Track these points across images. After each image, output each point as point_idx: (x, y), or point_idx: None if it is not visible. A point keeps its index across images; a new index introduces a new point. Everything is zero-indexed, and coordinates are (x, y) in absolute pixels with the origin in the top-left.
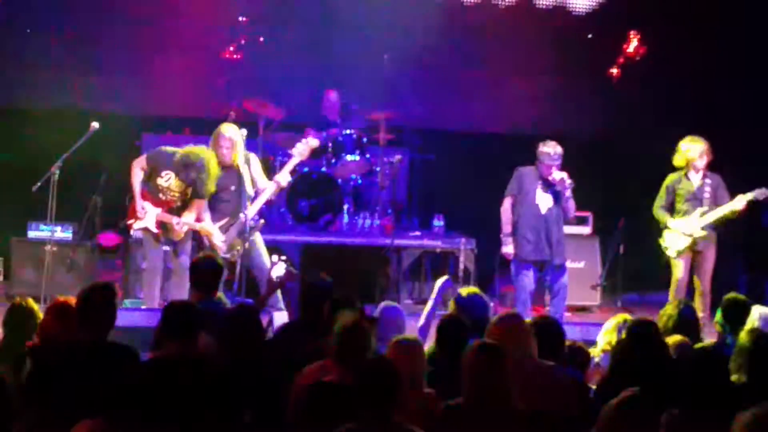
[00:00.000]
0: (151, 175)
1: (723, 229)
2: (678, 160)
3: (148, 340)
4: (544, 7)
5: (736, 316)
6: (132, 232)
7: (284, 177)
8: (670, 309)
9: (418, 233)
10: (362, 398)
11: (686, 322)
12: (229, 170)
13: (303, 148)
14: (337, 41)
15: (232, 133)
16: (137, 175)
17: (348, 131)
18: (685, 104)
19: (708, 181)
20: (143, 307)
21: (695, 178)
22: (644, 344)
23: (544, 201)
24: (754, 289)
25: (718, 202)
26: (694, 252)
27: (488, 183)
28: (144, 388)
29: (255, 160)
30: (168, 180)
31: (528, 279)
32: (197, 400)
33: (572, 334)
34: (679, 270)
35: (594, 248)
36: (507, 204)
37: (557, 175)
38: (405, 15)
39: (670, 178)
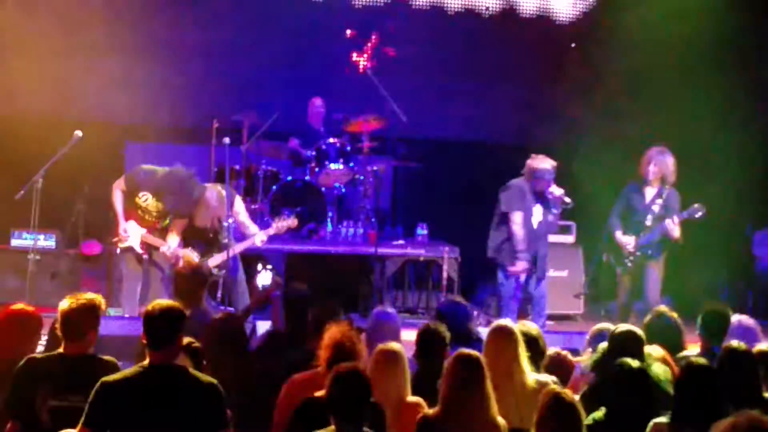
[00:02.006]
0: (129, 194)
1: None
2: (639, 169)
3: (132, 349)
4: (527, 16)
5: (715, 325)
6: (118, 251)
7: (261, 239)
8: (645, 320)
9: (401, 242)
10: (333, 409)
11: (660, 330)
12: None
13: (282, 225)
14: (320, 50)
15: (215, 196)
16: (118, 197)
17: (331, 140)
18: (665, 112)
19: (663, 196)
20: (126, 315)
21: (649, 192)
22: (628, 354)
23: (536, 215)
24: (736, 299)
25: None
26: (638, 267)
27: (472, 191)
28: (128, 398)
29: (240, 205)
30: (146, 200)
31: (513, 288)
32: (180, 409)
33: (555, 342)
34: (623, 289)
35: (577, 257)
36: (519, 219)
37: (557, 191)
38: (387, 24)
39: (628, 186)
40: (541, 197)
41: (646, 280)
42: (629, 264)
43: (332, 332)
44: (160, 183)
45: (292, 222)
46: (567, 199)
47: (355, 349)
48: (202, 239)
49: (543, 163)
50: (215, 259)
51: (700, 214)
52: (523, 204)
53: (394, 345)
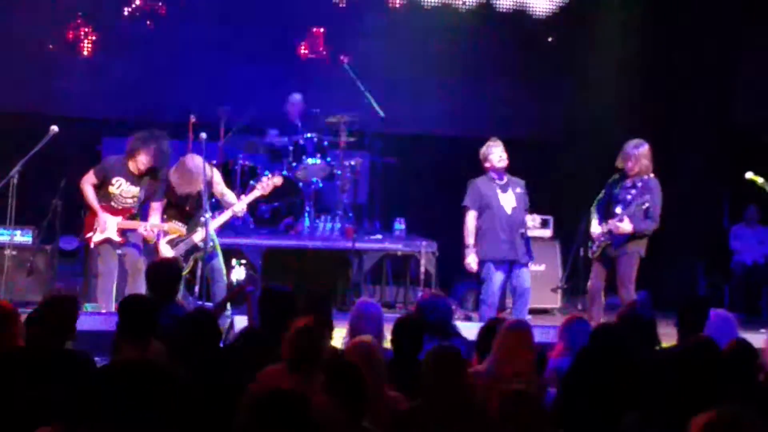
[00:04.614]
0: (102, 185)
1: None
2: (618, 161)
3: (108, 344)
4: (504, 10)
5: (694, 318)
6: (91, 245)
7: (241, 207)
8: (618, 313)
9: (379, 236)
10: (333, 403)
11: (635, 323)
12: (188, 194)
13: (266, 183)
14: (298, 44)
15: (197, 163)
16: (90, 191)
17: (309, 135)
18: (642, 106)
19: (639, 185)
20: (103, 310)
21: (627, 183)
22: (607, 348)
23: (507, 202)
24: (713, 294)
25: (647, 207)
26: (609, 259)
27: (449, 186)
28: (100, 394)
29: (218, 176)
30: (119, 186)
31: (498, 281)
32: (153, 406)
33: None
34: (591, 275)
35: (554, 251)
36: (470, 216)
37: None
38: (364, 18)
39: (612, 178)
40: (506, 181)
41: (616, 270)
42: (595, 249)
43: (295, 326)
44: (134, 143)
45: (277, 180)
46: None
47: (318, 343)
48: (183, 216)
49: (486, 144)
50: (198, 234)
51: (647, 205)
52: (480, 200)
53: (365, 338)
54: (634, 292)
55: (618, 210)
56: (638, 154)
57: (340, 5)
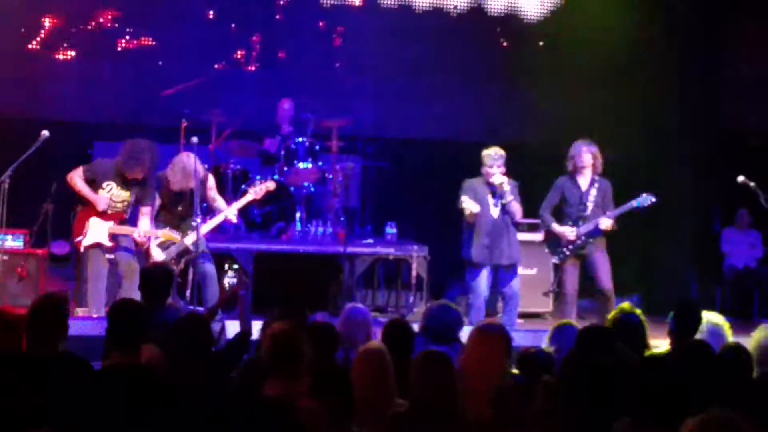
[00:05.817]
0: (91, 187)
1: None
2: (568, 162)
3: (100, 349)
4: (495, 14)
5: (688, 321)
6: (81, 249)
7: (233, 212)
8: (612, 314)
9: (370, 240)
10: (319, 406)
11: (624, 328)
12: (183, 192)
13: (259, 188)
14: (290, 49)
15: (190, 162)
16: (82, 184)
17: (300, 139)
18: (634, 109)
19: (596, 185)
20: (94, 315)
21: (583, 182)
22: (595, 351)
23: (495, 207)
24: (704, 297)
25: (605, 208)
26: (580, 258)
27: (441, 190)
28: (91, 399)
29: (212, 181)
30: (110, 190)
31: (484, 285)
32: (144, 410)
33: (524, 340)
34: (568, 280)
35: (546, 255)
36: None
37: (497, 179)
38: (357, 22)
39: (560, 179)
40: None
41: (595, 266)
42: (567, 252)
43: (272, 330)
44: (125, 155)
45: (270, 185)
46: (507, 187)
47: (295, 347)
48: (176, 218)
49: (487, 150)
50: (190, 238)
51: (651, 201)
52: (472, 198)
53: (375, 344)
54: None
55: (590, 208)
56: (595, 153)
57: (331, 9)
